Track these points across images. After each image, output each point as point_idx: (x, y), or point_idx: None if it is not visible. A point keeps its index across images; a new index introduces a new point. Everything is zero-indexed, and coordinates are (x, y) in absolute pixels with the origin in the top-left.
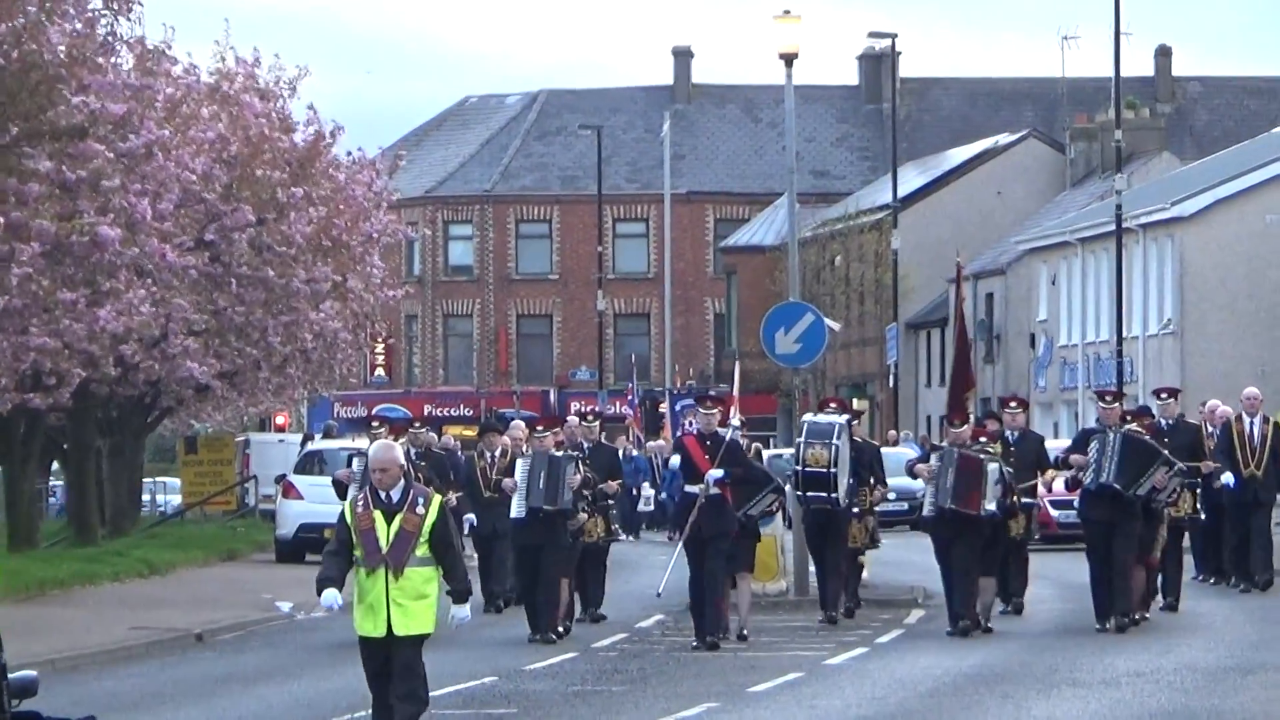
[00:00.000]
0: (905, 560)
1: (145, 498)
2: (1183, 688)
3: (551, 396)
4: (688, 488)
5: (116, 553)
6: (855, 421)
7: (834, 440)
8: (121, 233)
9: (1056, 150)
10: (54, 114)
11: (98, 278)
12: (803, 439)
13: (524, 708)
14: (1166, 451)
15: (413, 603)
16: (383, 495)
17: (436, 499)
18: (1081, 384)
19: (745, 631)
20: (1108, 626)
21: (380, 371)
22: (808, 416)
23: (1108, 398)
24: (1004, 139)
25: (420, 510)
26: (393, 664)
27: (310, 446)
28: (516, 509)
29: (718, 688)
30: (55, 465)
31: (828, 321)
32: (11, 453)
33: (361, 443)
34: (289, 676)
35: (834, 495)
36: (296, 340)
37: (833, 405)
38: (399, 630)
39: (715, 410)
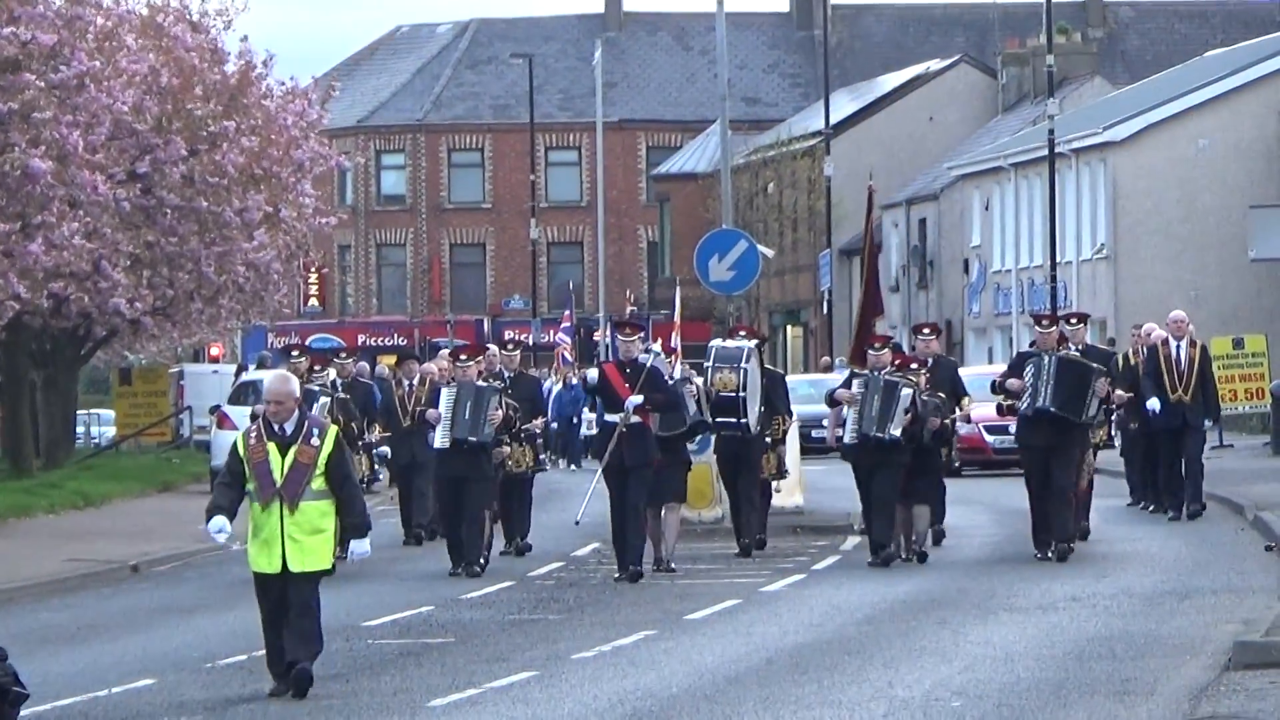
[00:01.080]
0: (841, 487)
1: (80, 429)
2: (1120, 612)
3: (485, 325)
4: (608, 416)
5: (51, 485)
6: (763, 347)
7: (742, 364)
8: (53, 165)
9: (988, 75)
10: None
11: (29, 210)
12: (710, 364)
13: (461, 637)
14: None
15: (308, 538)
16: (277, 427)
17: (332, 430)
18: (1015, 309)
19: (672, 564)
20: (1049, 555)
21: (314, 301)
22: (715, 342)
23: (1044, 322)
24: (936, 65)
25: (315, 442)
26: (289, 603)
27: (244, 377)
28: (440, 439)
29: (654, 615)
30: None
31: (761, 248)
32: None
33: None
34: (224, 607)
35: (744, 421)
36: (229, 271)
37: (742, 332)
38: (294, 566)
39: (635, 336)
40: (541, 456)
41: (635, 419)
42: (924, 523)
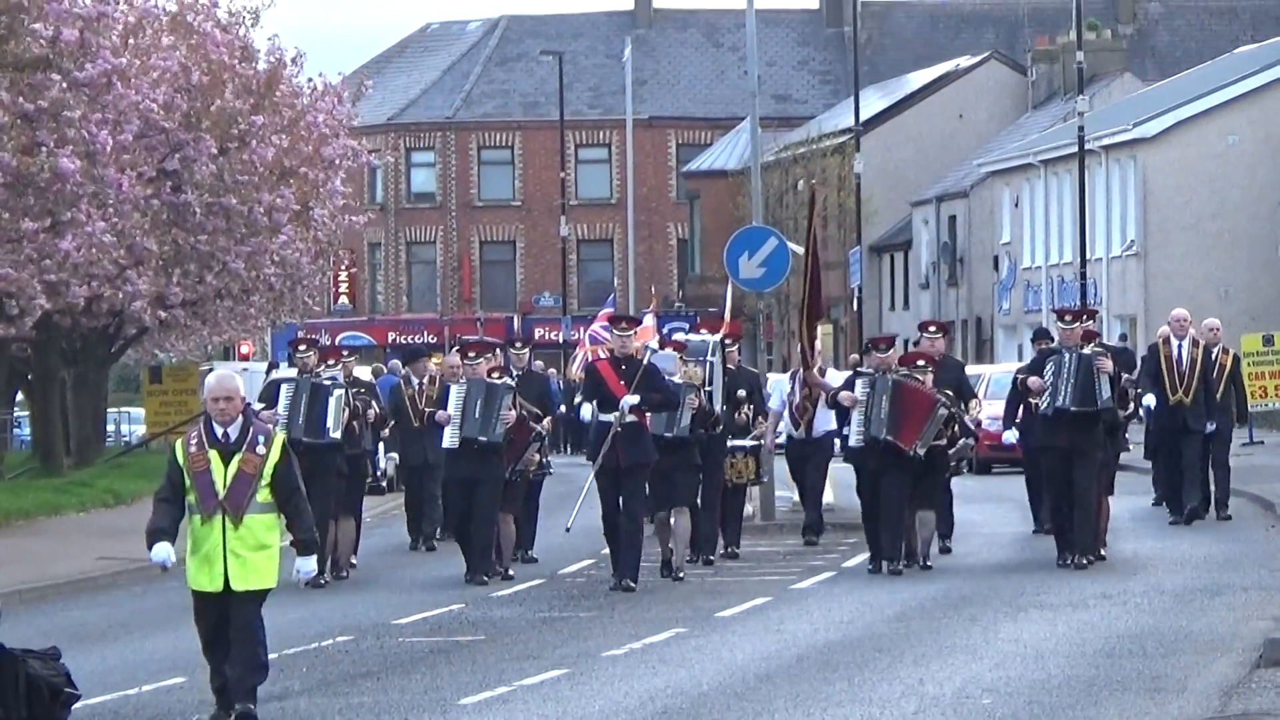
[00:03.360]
0: None
1: (110, 428)
2: (1150, 609)
3: (515, 323)
4: (602, 416)
5: (82, 483)
6: (732, 345)
7: (709, 357)
8: (81, 164)
9: (1018, 72)
10: (16, 45)
11: (58, 208)
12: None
13: (491, 634)
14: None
15: (253, 554)
16: (220, 433)
17: (279, 437)
18: (1045, 306)
19: (681, 573)
20: (1069, 562)
21: (344, 299)
22: (683, 337)
23: (1067, 317)
24: (965, 62)
25: (260, 450)
26: (231, 625)
27: (274, 375)
28: (450, 439)
29: (685, 613)
30: (20, 396)
31: (791, 246)
32: None
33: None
34: None
35: (717, 415)
36: (259, 269)
37: (704, 329)
38: (237, 585)
39: (631, 331)
40: (545, 460)
41: (631, 418)
42: (929, 530)
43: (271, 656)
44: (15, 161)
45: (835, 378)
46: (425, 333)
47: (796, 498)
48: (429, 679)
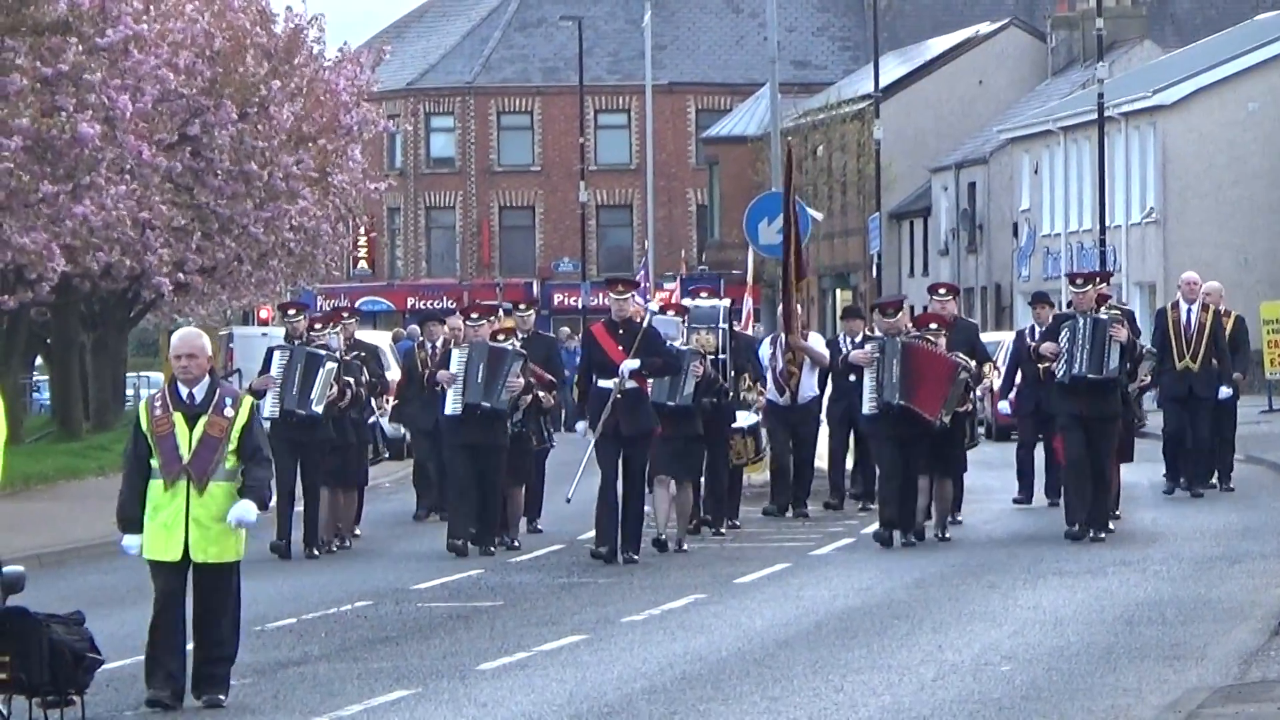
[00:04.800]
0: None
1: (129, 392)
2: (1169, 577)
3: (535, 288)
4: (600, 383)
5: (101, 447)
6: (738, 310)
7: (720, 324)
8: (101, 129)
9: (1038, 39)
10: (35, 10)
11: (77, 172)
12: (687, 325)
13: (510, 600)
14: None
15: (217, 524)
16: (185, 394)
17: (247, 400)
18: (1064, 273)
19: (684, 543)
20: (1076, 529)
21: (363, 264)
22: (690, 302)
23: (1079, 280)
24: (985, 28)
25: (228, 412)
26: (197, 602)
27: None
28: (452, 405)
29: (704, 579)
30: (39, 360)
31: (810, 212)
32: None
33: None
34: (275, 571)
35: (724, 385)
36: (278, 234)
37: (704, 293)
38: (197, 555)
39: (627, 295)
40: (549, 431)
41: (631, 384)
42: (946, 502)
43: (290, 621)
44: (35, 125)
45: (817, 342)
46: (445, 298)
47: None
48: (448, 644)
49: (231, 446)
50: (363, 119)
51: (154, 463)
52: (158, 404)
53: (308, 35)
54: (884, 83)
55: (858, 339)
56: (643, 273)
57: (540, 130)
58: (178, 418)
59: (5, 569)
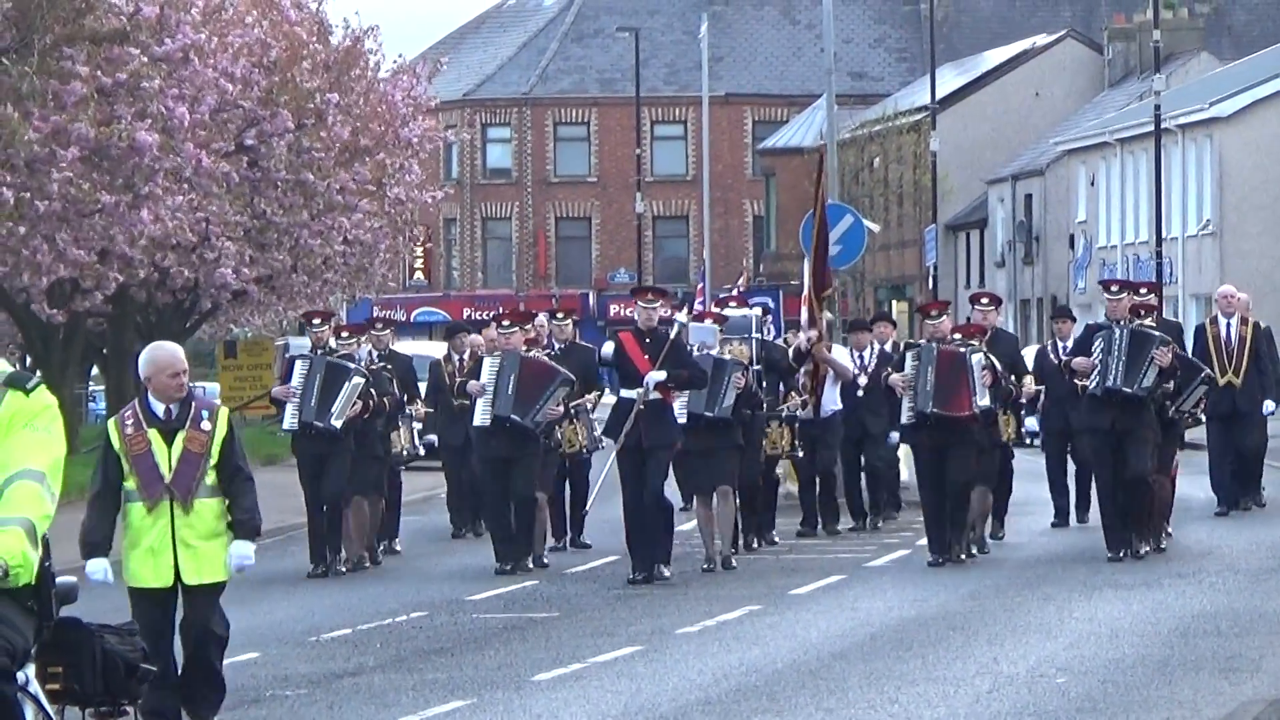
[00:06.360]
0: None
1: None
2: (1225, 589)
3: (591, 299)
4: (624, 392)
5: None
6: (766, 319)
7: (753, 334)
8: (159, 139)
9: (1094, 51)
10: (93, 19)
11: (136, 181)
12: (720, 336)
13: (565, 611)
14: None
15: (204, 543)
16: (160, 410)
17: (223, 412)
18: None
19: (732, 560)
20: (1121, 556)
21: (419, 275)
22: (730, 313)
23: (1114, 288)
24: (1042, 40)
25: (205, 425)
26: (186, 629)
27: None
28: (481, 416)
29: (759, 590)
30: (95, 370)
31: (867, 223)
32: (51, 358)
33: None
34: (329, 580)
35: (760, 396)
36: (333, 245)
37: (734, 303)
38: (190, 578)
39: (656, 303)
40: (596, 434)
41: (655, 395)
42: (977, 511)
43: (345, 631)
44: (94, 133)
45: (842, 355)
46: (501, 309)
47: (795, 488)
48: (503, 655)
49: (212, 462)
50: (423, 134)
51: (129, 485)
52: (129, 421)
53: (364, 45)
54: (940, 94)
55: (864, 352)
56: (700, 284)
57: (597, 141)
58: (153, 434)
59: (58, 580)
